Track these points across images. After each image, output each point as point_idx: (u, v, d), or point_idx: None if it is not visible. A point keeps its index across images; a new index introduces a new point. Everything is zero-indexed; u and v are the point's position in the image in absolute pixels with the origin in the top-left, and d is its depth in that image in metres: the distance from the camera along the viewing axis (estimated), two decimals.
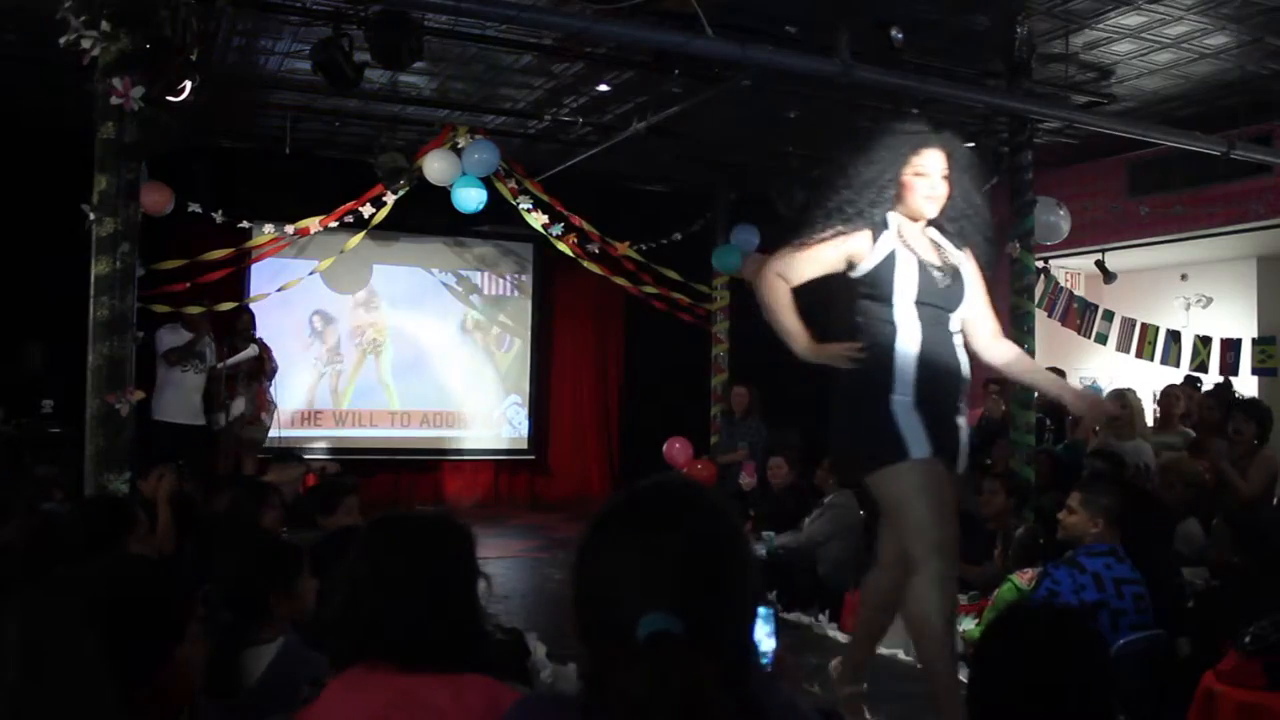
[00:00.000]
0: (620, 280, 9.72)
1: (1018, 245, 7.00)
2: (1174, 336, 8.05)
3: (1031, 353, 6.97)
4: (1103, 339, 8.35)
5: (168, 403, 7.72)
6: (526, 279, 11.01)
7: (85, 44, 4.64)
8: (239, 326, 8.33)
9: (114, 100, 4.68)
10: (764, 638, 1.71)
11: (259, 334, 8.60)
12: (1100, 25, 6.32)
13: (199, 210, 8.01)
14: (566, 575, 1.30)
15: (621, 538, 1.26)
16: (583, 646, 1.26)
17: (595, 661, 1.22)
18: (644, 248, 9.66)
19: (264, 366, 8.51)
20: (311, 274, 9.18)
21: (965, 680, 1.89)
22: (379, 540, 1.84)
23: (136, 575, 1.88)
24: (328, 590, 1.91)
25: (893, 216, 3.61)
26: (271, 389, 8.74)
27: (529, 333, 11.03)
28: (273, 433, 8.74)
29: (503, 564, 7.77)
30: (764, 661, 1.68)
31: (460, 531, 1.88)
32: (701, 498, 1.32)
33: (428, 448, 10.53)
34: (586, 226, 9.31)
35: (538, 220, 9.09)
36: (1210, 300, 10.09)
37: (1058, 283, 8.57)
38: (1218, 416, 6.49)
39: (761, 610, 1.73)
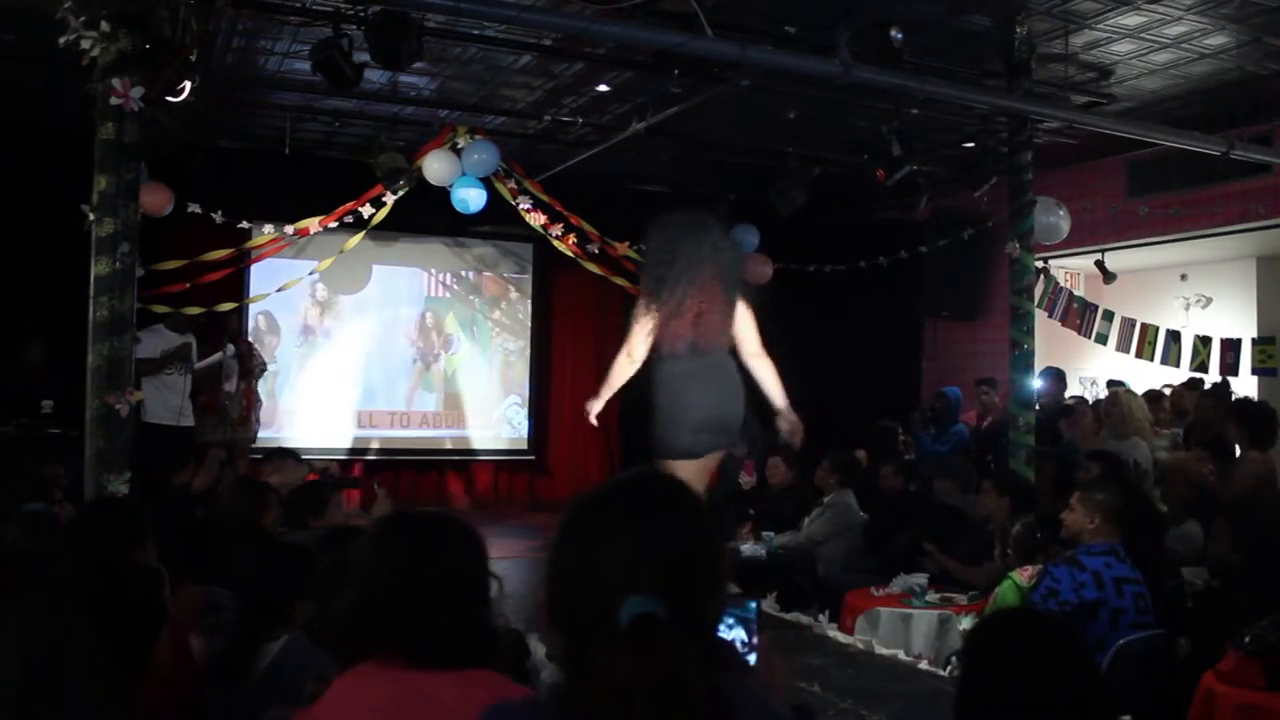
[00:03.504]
0: (620, 280, 9.71)
1: (1017, 245, 6.99)
2: (1174, 336, 8.05)
3: (1032, 353, 6.98)
4: (1103, 339, 8.35)
5: (151, 405, 7.62)
6: (526, 279, 11.00)
7: (85, 44, 4.64)
8: (230, 328, 8.29)
9: (114, 100, 4.68)
10: (747, 632, 1.72)
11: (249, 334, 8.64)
12: (1100, 25, 6.32)
13: (199, 210, 8.01)
14: (544, 562, 1.33)
15: (606, 525, 1.30)
16: (557, 633, 1.28)
17: (573, 647, 1.24)
18: (644, 248, 9.64)
19: (249, 365, 8.46)
20: (311, 274, 9.19)
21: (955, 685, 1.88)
22: (394, 538, 1.83)
23: (129, 576, 1.88)
24: (330, 588, 1.89)
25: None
26: (259, 388, 8.73)
27: (529, 333, 11.03)
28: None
29: (503, 564, 7.64)
30: (746, 657, 1.68)
31: (471, 530, 1.89)
32: (679, 490, 1.38)
33: (428, 448, 10.53)
34: (586, 226, 9.30)
35: (537, 220, 9.09)
36: (1210, 300, 10.09)
37: (1057, 283, 8.56)
38: (1215, 416, 6.47)
39: (752, 605, 1.74)
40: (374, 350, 10.40)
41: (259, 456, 7.53)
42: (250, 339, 8.92)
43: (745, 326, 5.17)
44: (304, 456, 9.69)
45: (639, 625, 1.15)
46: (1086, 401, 8.27)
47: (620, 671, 1.11)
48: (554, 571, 1.32)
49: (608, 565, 1.26)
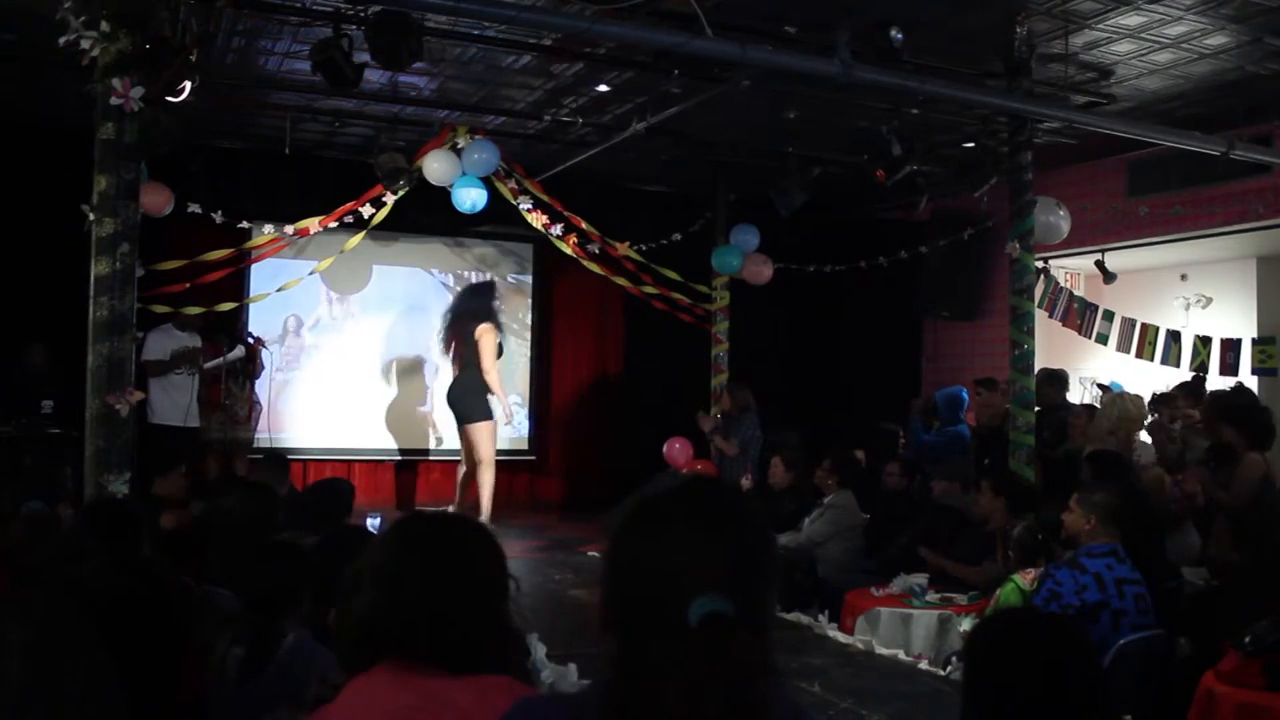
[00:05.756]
0: (620, 280, 9.72)
1: (1018, 245, 6.99)
2: (1174, 337, 8.05)
3: (1032, 353, 6.97)
4: (1103, 339, 8.35)
5: (161, 406, 7.61)
6: (526, 279, 11.00)
7: (85, 44, 4.64)
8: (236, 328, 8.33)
9: (114, 100, 4.68)
10: None
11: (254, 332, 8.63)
12: (1100, 25, 6.32)
13: (199, 210, 8.00)
14: (604, 562, 1.33)
15: (670, 526, 1.31)
16: (613, 632, 1.29)
17: (633, 646, 1.24)
18: (644, 248, 9.65)
19: (251, 367, 8.47)
20: (311, 274, 9.18)
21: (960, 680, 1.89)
22: (417, 540, 1.80)
23: (140, 575, 1.88)
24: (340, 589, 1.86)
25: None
26: (257, 390, 8.73)
27: (529, 333, 11.03)
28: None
29: None
30: None
31: (488, 531, 1.88)
32: (736, 492, 1.42)
33: (427, 448, 10.53)
34: (586, 226, 9.30)
35: (538, 220, 9.09)
36: (1210, 300, 10.08)
37: (1058, 283, 8.56)
38: (1201, 418, 6.42)
39: None
40: (375, 351, 10.39)
41: (259, 457, 7.52)
42: (261, 338, 8.92)
43: (486, 354, 8.84)
44: (303, 458, 9.75)
45: (710, 624, 1.17)
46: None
47: (692, 670, 1.12)
48: (615, 572, 1.32)
49: (673, 565, 1.26)
